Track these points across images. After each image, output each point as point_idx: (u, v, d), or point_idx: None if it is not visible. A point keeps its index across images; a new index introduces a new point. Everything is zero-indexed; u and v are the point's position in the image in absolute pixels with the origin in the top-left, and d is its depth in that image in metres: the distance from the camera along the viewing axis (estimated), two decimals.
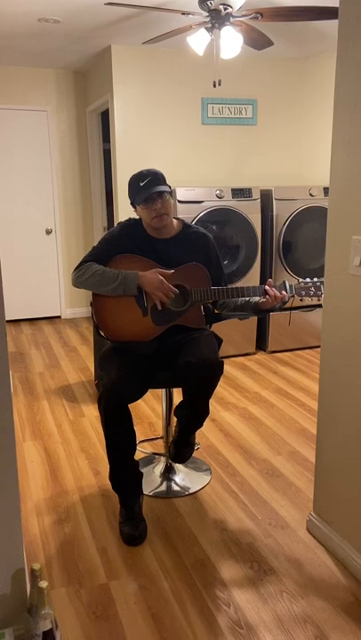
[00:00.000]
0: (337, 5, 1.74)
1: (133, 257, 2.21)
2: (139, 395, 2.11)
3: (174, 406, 2.44)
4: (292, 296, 2.25)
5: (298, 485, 2.47)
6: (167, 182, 2.21)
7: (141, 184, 2.15)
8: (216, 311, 2.41)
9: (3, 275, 5.45)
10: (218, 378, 2.09)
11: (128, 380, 2.06)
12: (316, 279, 2.26)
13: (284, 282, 2.26)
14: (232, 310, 2.36)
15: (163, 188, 2.15)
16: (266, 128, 5.05)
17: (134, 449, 2.14)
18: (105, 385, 2.04)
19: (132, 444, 2.13)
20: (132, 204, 2.25)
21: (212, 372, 2.06)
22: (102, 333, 2.22)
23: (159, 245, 2.24)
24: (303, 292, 2.25)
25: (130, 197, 2.24)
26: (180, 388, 2.26)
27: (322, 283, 2.22)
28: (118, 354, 2.18)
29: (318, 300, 2.29)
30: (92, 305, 2.24)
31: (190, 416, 2.22)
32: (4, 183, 5.41)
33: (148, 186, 2.14)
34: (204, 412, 2.20)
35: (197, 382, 2.06)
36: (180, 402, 2.24)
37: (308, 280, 2.26)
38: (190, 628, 1.69)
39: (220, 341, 2.30)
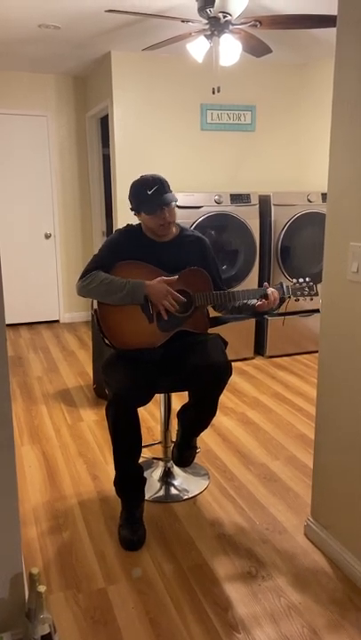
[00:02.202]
0: (335, 14, 1.76)
1: (136, 264, 2.21)
2: (147, 400, 2.12)
3: (173, 411, 2.45)
4: (289, 297, 2.28)
5: (296, 490, 2.48)
6: (171, 189, 2.22)
7: (149, 192, 2.14)
8: (214, 314, 2.42)
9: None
10: (227, 379, 2.11)
11: (136, 386, 2.06)
12: (308, 279, 2.30)
13: (280, 283, 2.29)
14: (230, 312, 2.38)
15: (171, 197, 2.16)
16: (264, 134, 5.07)
17: (140, 454, 2.15)
18: (114, 391, 2.04)
19: (138, 450, 2.13)
20: (134, 209, 2.25)
21: (222, 374, 2.08)
22: (108, 342, 2.21)
23: (159, 249, 2.26)
24: (298, 293, 2.31)
25: (133, 204, 2.23)
26: (180, 393, 2.27)
27: (314, 282, 2.27)
28: (124, 360, 2.18)
29: (312, 299, 2.33)
30: (96, 313, 2.23)
31: (195, 418, 2.23)
32: (3, 187, 5.42)
33: (156, 195, 2.14)
34: (211, 413, 2.21)
35: (207, 384, 2.07)
36: (184, 405, 2.24)
37: (301, 280, 2.30)
38: (188, 632, 1.69)
39: (225, 343, 2.31)
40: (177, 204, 2.24)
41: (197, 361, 2.06)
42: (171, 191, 2.20)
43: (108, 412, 2.06)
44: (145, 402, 2.10)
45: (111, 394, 2.06)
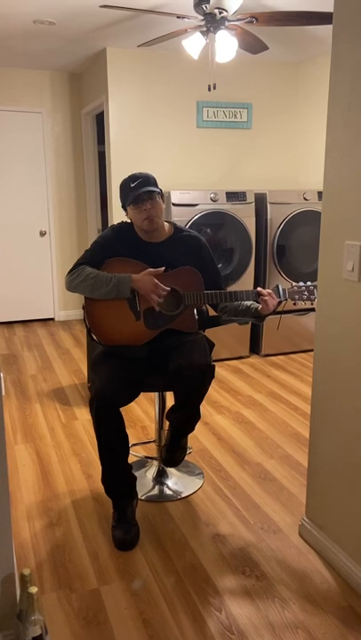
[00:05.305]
0: (331, 11, 1.74)
1: (126, 260, 2.20)
2: (130, 399, 2.11)
3: (167, 410, 2.44)
4: (285, 300, 2.24)
5: (290, 489, 2.47)
6: (159, 186, 2.21)
7: (132, 185, 2.16)
8: (215, 313, 2.40)
9: None
10: (209, 382, 2.09)
11: (119, 384, 2.05)
12: (309, 283, 2.24)
13: (277, 286, 2.25)
14: (233, 315, 2.35)
15: (153, 188, 2.16)
16: (261, 132, 5.05)
17: (127, 452, 2.13)
18: (96, 389, 2.03)
19: (124, 448, 2.12)
20: (123, 206, 2.25)
21: (203, 376, 2.05)
22: (95, 338, 2.21)
23: (151, 249, 2.24)
24: (297, 297, 2.24)
25: (121, 200, 2.24)
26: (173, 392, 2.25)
27: (315, 287, 2.21)
28: (110, 358, 2.18)
29: (312, 303, 2.28)
30: (84, 309, 2.23)
31: (182, 420, 2.21)
32: None
33: (138, 186, 2.15)
34: (194, 417, 2.19)
35: (188, 387, 2.05)
36: (172, 405, 2.23)
37: (301, 284, 2.25)
38: (181, 633, 1.68)
39: (212, 345, 2.29)
40: (173, 201, 2.22)
41: (180, 362, 2.04)
42: (157, 186, 2.19)
43: (91, 409, 2.05)
44: (127, 401, 2.09)
45: (93, 392, 2.04)
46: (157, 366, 2.19)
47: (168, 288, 2.15)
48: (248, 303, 2.26)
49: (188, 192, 4.07)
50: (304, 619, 1.72)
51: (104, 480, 2.15)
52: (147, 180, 2.16)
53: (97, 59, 4.73)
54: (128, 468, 2.15)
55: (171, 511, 2.32)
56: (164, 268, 2.15)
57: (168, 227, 2.30)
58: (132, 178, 2.18)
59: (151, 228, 2.19)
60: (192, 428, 2.24)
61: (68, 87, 5.42)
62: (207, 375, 2.06)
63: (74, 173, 5.63)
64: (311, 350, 4.55)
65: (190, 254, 2.27)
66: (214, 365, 2.10)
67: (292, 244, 4.35)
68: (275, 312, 2.24)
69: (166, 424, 2.48)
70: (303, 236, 4.34)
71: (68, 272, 2.21)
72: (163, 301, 2.15)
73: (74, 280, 2.17)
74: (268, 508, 2.33)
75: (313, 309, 4.45)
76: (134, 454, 2.71)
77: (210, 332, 2.53)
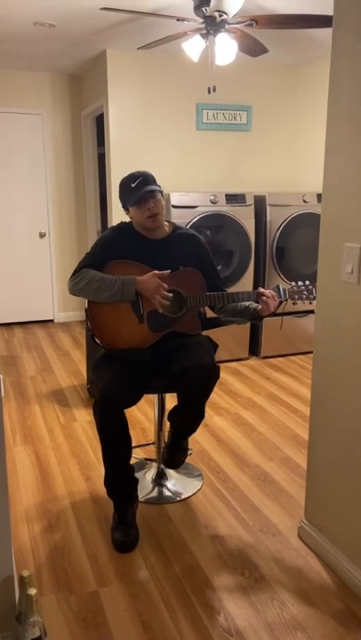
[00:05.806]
0: (331, 14, 1.75)
1: (128, 262, 2.20)
2: (134, 401, 2.10)
3: (167, 411, 2.44)
4: (286, 300, 2.25)
5: (289, 492, 2.47)
6: (158, 183, 2.21)
7: (133, 185, 2.16)
8: (215, 315, 2.40)
9: None
10: (213, 383, 2.09)
11: (123, 387, 2.05)
12: (308, 282, 2.26)
13: (277, 286, 2.25)
14: (231, 315, 2.35)
15: (154, 187, 2.16)
16: (260, 134, 5.06)
17: (130, 455, 2.13)
18: (100, 392, 2.03)
19: (127, 450, 2.12)
20: (123, 206, 2.25)
21: (208, 377, 2.05)
22: (98, 341, 2.20)
23: (151, 246, 2.24)
24: (296, 296, 2.26)
25: (121, 200, 2.24)
26: (173, 394, 2.26)
27: (314, 286, 2.23)
28: (112, 360, 2.17)
29: (311, 303, 2.29)
30: (87, 312, 2.22)
31: (184, 421, 2.21)
32: None
33: (139, 186, 2.15)
34: (198, 417, 2.19)
35: (193, 387, 2.05)
36: (174, 407, 2.23)
37: (300, 283, 2.26)
38: (180, 635, 1.68)
39: (215, 346, 2.29)
40: (172, 203, 2.22)
41: (184, 363, 2.04)
42: (156, 184, 2.19)
43: (95, 412, 2.05)
44: (131, 403, 2.09)
45: (97, 394, 2.04)
46: (161, 368, 2.18)
47: (171, 295, 2.14)
48: (247, 303, 2.26)
49: (187, 194, 4.08)
50: (303, 620, 1.72)
51: (106, 482, 2.15)
52: (146, 179, 2.17)
53: (97, 61, 4.74)
54: (130, 471, 2.16)
55: (170, 513, 2.32)
56: (169, 272, 2.15)
57: (167, 225, 2.31)
58: (132, 178, 2.18)
59: (154, 225, 2.20)
60: (194, 430, 2.25)
61: (68, 89, 5.43)
62: (212, 376, 2.07)
63: (74, 175, 5.64)
64: (310, 352, 4.55)
65: (189, 253, 2.28)
66: (219, 366, 2.10)
67: (292, 247, 4.35)
68: (274, 313, 2.24)
69: (166, 426, 2.48)
70: (302, 238, 4.35)
71: (71, 276, 2.20)
72: (167, 302, 2.14)
73: (77, 284, 2.16)
74: (268, 510, 2.33)
75: (312, 311, 4.45)
76: (134, 456, 2.70)
77: (209, 333, 2.53)
